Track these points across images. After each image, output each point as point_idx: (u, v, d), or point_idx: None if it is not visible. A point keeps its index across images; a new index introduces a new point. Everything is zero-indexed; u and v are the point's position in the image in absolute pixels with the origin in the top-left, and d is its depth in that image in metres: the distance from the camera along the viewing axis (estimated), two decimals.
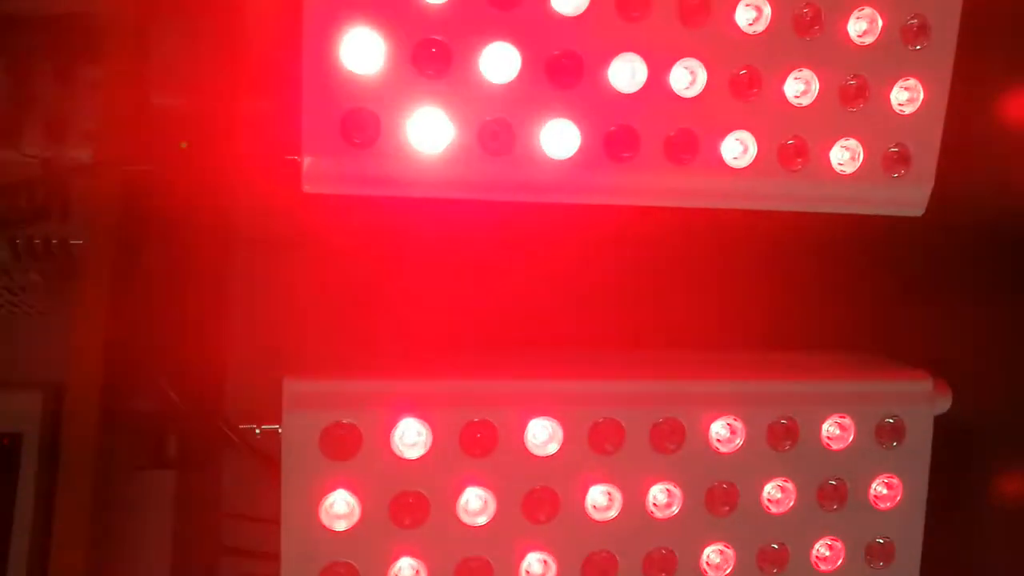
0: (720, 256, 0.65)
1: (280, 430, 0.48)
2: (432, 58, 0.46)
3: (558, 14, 0.47)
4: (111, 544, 0.66)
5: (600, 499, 0.52)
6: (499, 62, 0.47)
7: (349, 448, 0.47)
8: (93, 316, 0.62)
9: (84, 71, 0.64)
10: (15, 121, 0.63)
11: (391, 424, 0.48)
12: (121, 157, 0.60)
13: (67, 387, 0.63)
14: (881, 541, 0.56)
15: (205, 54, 0.63)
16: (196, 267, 0.63)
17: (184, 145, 0.65)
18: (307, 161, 0.46)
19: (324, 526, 0.48)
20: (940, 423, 0.56)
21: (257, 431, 0.50)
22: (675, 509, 0.52)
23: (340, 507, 0.48)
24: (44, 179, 0.63)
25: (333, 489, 0.47)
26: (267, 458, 0.56)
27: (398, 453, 0.48)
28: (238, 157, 0.60)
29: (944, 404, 0.56)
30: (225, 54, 0.63)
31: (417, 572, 0.49)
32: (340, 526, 0.48)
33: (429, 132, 0.47)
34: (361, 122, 0.46)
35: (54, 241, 0.63)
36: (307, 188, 0.47)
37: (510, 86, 0.47)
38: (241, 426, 0.50)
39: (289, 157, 0.48)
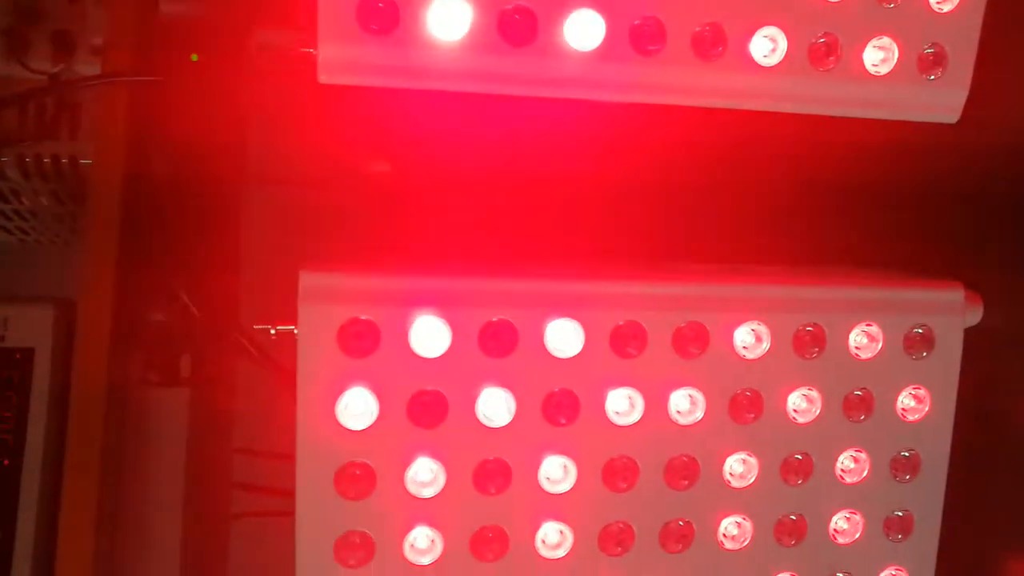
0: (747, 166, 0.63)
1: (296, 330, 0.47)
2: None
3: None
4: (124, 461, 0.65)
5: (621, 404, 0.50)
6: None
7: (367, 344, 0.46)
8: (104, 233, 0.61)
9: None
10: (22, 36, 0.61)
11: (410, 321, 0.46)
12: (130, 69, 0.59)
13: (79, 303, 0.63)
14: (907, 454, 0.55)
15: None
16: (209, 176, 0.62)
17: (195, 58, 0.63)
18: (323, 50, 0.45)
19: (340, 425, 0.47)
20: (970, 336, 0.55)
21: (272, 331, 0.49)
22: (698, 415, 0.51)
23: (357, 406, 0.47)
24: (52, 95, 0.62)
25: (350, 386, 0.46)
26: (281, 369, 0.56)
27: (416, 351, 0.47)
28: (251, 60, 0.59)
29: (975, 316, 0.55)
30: None
31: (435, 474, 0.48)
32: (357, 425, 0.47)
33: (448, 19, 0.45)
34: (378, 7, 0.44)
35: (64, 160, 0.62)
36: (323, 79, 0.45)
37: None
38: (256, 326, 0.48)
39: (304, 49, 0.46)
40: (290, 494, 0.48)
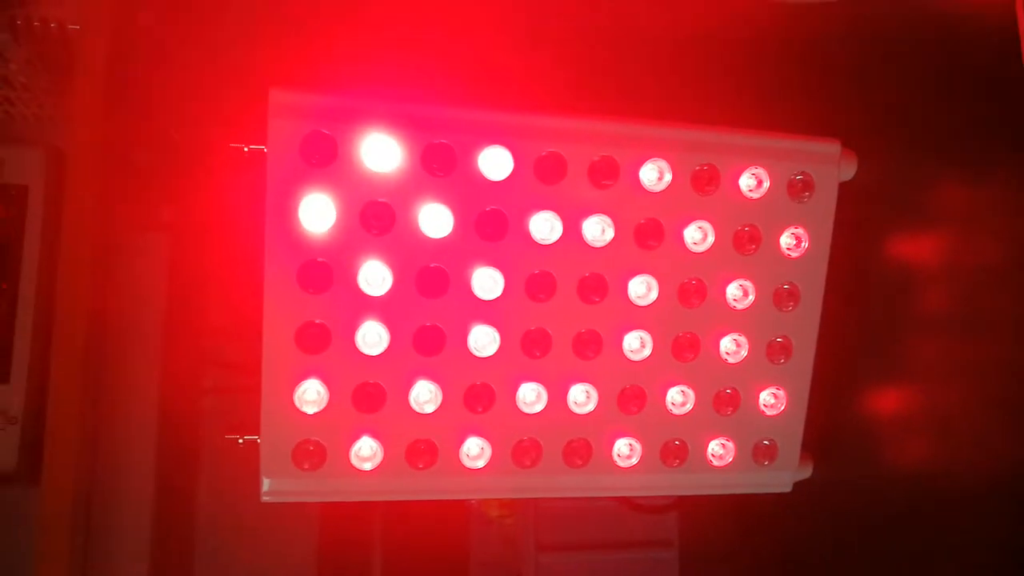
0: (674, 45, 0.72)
1: (265, 149, 0.55)
2: None
3: None
4: (110, 300, 0.72)
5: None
6: None
7: (326, 156, 0.54)
8: (90, 76, 0.67)
9: None
10: None
11: (362, 137, 0.55)
12: None
13: (69, 147, 0.69)
14: (787, 286, 0.64)
15: None
16: (189, 23, 0.68)
17: None
18: None
19: (303, 227, 0.55)
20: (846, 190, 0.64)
21: (245, 149, 0.56)
22: (608, 238, 0.60)
23: (318, 211, 0.55)
24: None
25: (311, 193, 0.54)
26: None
27: (368, 167, 0.55)
28: None
29: (850, 170, 0.64)
30: None
31: (383, 276, 0.57)
32: (317, 228, 0.55)
33: None
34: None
35: (52, 25, 0.68)
36: None
37: None
38: (232, 144, 0.56)
39: None
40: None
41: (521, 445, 0.61)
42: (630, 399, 0.63)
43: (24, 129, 0.76)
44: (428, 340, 0.58)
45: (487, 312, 0.59)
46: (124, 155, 0.70)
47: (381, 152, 0.55)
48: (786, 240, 0.63)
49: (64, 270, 0.67)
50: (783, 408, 0.66)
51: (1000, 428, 0.56)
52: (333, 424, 0.58)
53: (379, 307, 0.57)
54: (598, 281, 0.60)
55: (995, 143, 0.57)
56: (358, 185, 0.55)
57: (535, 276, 0.59)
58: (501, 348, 0.59)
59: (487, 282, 0.59)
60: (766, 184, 0.62)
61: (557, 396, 0.61)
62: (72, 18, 0.69)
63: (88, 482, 0.69)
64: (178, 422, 0.78)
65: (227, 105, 0.65)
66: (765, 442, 0.66)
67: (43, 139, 0.75)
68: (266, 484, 0.58)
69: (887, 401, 0.67)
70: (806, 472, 0.69)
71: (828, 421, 0.69)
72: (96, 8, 0.68)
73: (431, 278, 0.58)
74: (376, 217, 0.56)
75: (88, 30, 0.68)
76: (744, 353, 0.64)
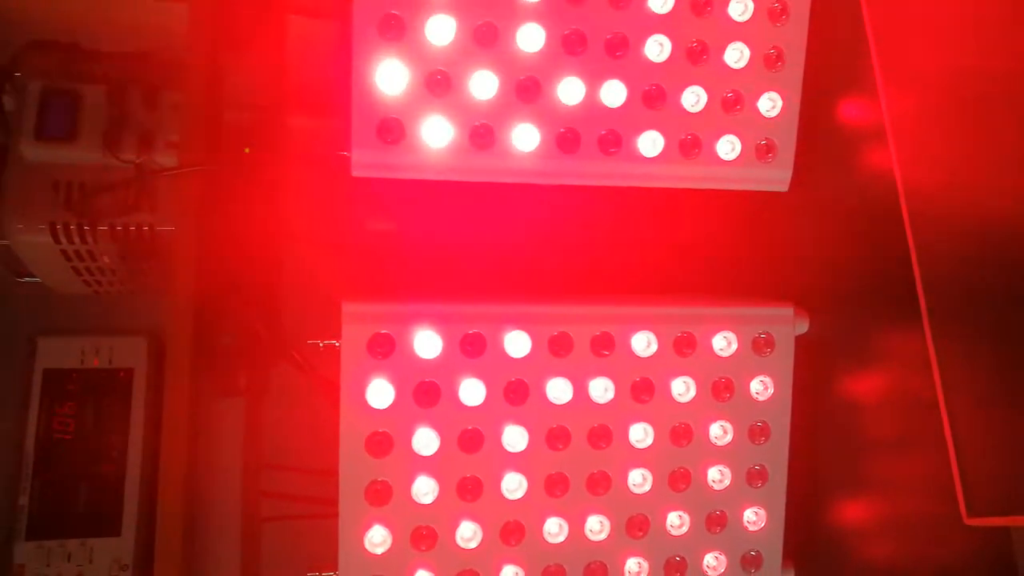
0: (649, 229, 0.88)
1: (337, 343, 0.70)
2: (438, 83, 0.69)
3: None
4: (199, 456, 0.86)
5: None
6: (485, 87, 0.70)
7: (387, 350, 0.69)
8: (183, 277, 0.82)
9: (166, 96, 0.85)
10: (114, 136, 0.83)
11: (414, 333, 0.70)
12: (198, 160, 0.81)
13: (168, 335, 0.84)
14: (760, 424, 0.78)
15: (267, 77, 0.86)
16: (258, 237, 0.85)
17: (247, 150, 0.87)
18: (355, 153, 0.69)
19: (369, 405, 0.70)
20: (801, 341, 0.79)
21: (321, 344, 0.71)
22: (609, 397, 0.74)
23: (379, 392, 0.70)
24: (137, 180, 0.84)
25: (375, 379, 0.69)
26: (323, 376, 0.78)
27: (419, 354, 0.70)
28: (292, 155, 0.83)
29: (803, 326, 0.79)
30: (282, 76, 0.85)
31: (431, 440, 0.71)
32: (379, 405, 0.70)
33: (437, 133, 0.70)
34: (390, 127, 0.69)
35: (146, 228, 0.84)
36: (356, 173, 0.69)
37: (490, 102, 0.70)
38: (309, 341, 0.71)
39: (341, 152, 0.70)
40: (315, 500, 0.68)
41: (548, 570, 0.74)
42: (636, 525, 0.76)
43: (123, 315, 0.91)
44: (469, 489, 0.72)
45: (516, 462, 0.73)
46: (211, 339, 0.85)
47: (428, 344, 0.70)
48: (755, 386, 0.78)
49: (164, 436, 0.80)
50: (764, 524, 0.79)
51: (947, 529, 0.69)
52: (395, 561, 0.71)
53: (429, 464, 0.71)
54: (604, 431, 0.74)
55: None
56: (411, 370, 0.70)
57: (553, 430, 0.73)
58: (528, 491, 0.73)
59: (515, 438, 0.73)
60: (734, 345, 0.76)
61: (576, 527, 0.74)
62: (162, 221, 0.84)
63: None
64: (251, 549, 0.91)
65: (301, 303, 0.81)
66: (752, 553, 0.79)
67: (139, 323, 0.90)
68: None
69: (852, 511, 0.80)
70: None
71: (806, 532, 0.82)
72: (185, 213, 0.83)
73: (470, 438, 0.72)
74: (426, 394, 0.71)
75: (181, 232, 0.83)
76: (728, 481, 0.78)
